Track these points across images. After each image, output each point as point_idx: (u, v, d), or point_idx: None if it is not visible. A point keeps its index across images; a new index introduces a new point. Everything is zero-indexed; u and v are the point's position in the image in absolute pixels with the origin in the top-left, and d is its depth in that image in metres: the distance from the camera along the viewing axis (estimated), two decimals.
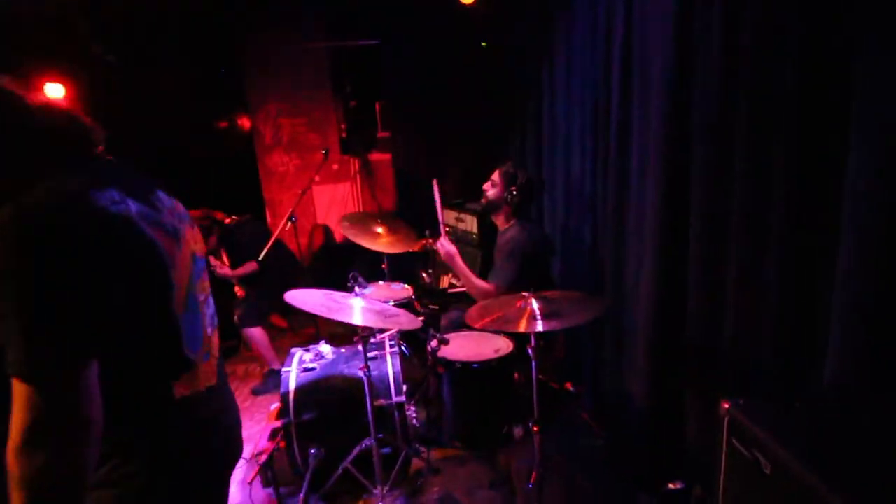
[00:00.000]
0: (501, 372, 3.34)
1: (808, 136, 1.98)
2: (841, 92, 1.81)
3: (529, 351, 2.70)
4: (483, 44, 5.50)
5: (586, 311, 2.58)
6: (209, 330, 1.59)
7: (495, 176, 3.70)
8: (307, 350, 3.62)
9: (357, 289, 2.97)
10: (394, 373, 3.37)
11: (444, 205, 4.31)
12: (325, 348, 3.62)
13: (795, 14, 1.97)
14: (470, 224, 5.05)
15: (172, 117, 5.57)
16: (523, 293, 2.73)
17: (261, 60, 6.05)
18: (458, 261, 3.65)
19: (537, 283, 2.96)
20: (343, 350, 3.63)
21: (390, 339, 3.70)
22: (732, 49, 2.28)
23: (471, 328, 3.64)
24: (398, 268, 4.83)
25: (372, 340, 3.70)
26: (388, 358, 3.47)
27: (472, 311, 2.75)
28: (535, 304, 2.63)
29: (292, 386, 3.29)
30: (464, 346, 3.48)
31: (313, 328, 5.18)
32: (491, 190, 3.70)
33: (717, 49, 2.36)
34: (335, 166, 6.38)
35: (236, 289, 5.09)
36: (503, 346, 3.43)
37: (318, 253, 6.56)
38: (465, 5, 4.76)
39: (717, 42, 2.35)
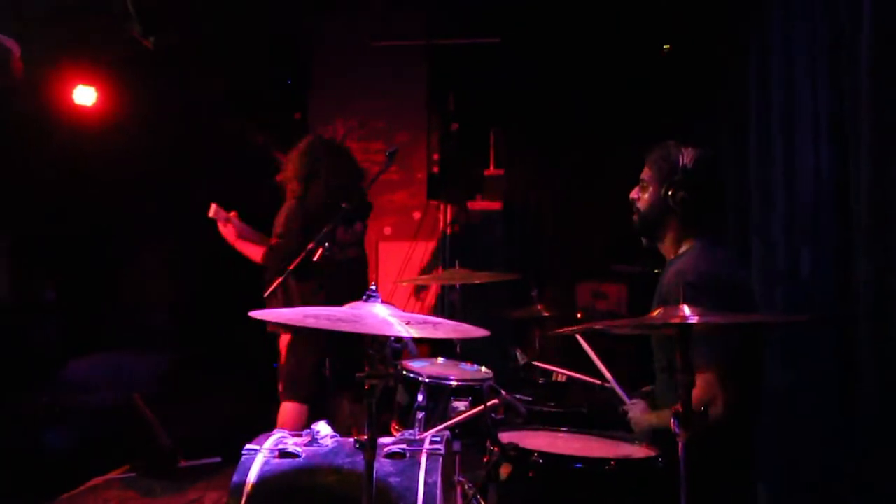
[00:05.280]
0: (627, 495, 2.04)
1: None
2: None
3: (675, 426, 1.65)
4: (665, 47, 4.43)
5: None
6: None
7: (645, 171, 2.48)
8: (298, 434, 2.56)
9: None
10: (426, 486, 2.23)
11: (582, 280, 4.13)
12: (322, 428, 2.53)
13: None
14: (615, 298, 4.05)
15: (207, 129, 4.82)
16: None
17: (332, 62, 4.95)
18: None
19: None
20: (354, 438, 2.46)
21: (434, 435, 2.53)
22: None
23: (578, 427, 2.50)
24: (476, 346, 3.57)
25: (403, 433, 2.61)
26: (423, 461, 2.32)
27: None
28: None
29: (252, 477, 2.30)
30: (557, 443, 2.37)
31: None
32: (643, 195, 2.47)
33: None
34: (416, 214, 4.95)
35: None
36: (636, 451, 2.22)
37: None
38: None
39: None
